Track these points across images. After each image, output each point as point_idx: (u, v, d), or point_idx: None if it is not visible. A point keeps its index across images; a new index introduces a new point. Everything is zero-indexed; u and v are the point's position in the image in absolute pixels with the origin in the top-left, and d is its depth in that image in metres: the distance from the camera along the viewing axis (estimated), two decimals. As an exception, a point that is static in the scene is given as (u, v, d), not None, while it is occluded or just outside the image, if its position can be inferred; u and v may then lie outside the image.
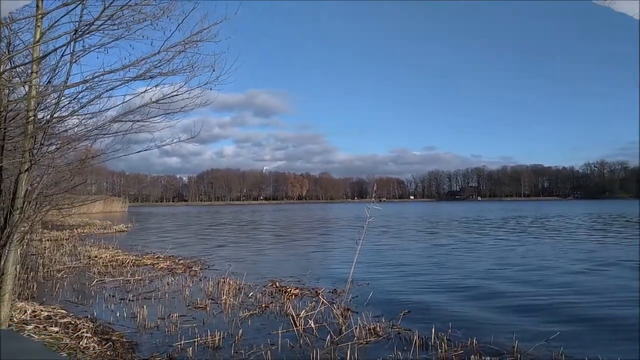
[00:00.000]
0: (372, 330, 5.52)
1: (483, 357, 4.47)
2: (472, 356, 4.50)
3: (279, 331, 5.44)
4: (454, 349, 4.91)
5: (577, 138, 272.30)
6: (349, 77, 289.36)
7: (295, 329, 5.58)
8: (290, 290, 7.78)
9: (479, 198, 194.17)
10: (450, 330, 5.54)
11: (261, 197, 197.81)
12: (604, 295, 7.53)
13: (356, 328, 5.44)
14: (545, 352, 4.82)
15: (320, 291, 7.73)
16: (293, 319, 5.89)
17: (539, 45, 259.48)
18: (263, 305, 6.85)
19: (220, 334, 5.31)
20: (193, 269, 10.77)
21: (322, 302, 6.39)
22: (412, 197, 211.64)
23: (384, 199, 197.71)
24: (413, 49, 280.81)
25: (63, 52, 4.42)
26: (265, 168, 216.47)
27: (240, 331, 5.50)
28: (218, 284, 8.60)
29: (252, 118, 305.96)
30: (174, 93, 5.02)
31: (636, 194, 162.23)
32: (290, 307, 6.34)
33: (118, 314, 6.46)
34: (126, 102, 4.83)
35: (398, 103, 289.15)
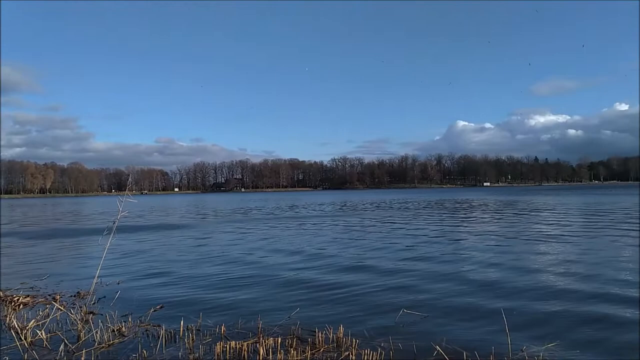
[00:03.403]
0: (116, 332, 5.15)
1: (229, 341, 4.66)
2: (219, 342, 4.65)
3: (-3, 349, 4.58)
4: (202, 338, 4.98)
5: (325, 136, 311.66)
6: (113, 55, 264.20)
7: (19, 343, 4.77)
8: (18, 299, 6.62)
9: (243, 189, 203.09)
10: (200, 320, 5.61)
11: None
12: (347, 276, 8.70)
13: (97, 332, 4.99)
14: (286, 327, 5.34)
15: (59, 296, 6.82)
16: (17, 332, 5.03)
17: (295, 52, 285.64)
18: (-23, 322, 5.65)
19: None
20: None
21: (58, 308, 5.64)
22: (176, 189, 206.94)
23: (146, 191, 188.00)
24: (188, 39, 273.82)
25: None
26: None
27: (-62, 358, 4.42)
28: None
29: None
30: None
31: (369, 185, 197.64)
32: (14, 319, 5.40)
33: None
34: None
35: (165, 91, 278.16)
